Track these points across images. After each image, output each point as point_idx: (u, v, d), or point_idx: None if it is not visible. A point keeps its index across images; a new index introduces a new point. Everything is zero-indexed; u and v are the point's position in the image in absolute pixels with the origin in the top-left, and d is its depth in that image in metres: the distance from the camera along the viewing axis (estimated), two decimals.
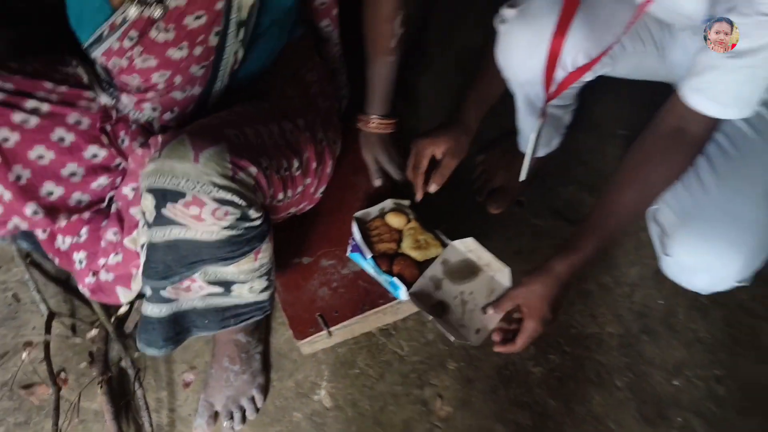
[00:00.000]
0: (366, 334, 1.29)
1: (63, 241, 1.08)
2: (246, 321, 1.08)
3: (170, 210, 0.87)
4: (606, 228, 1.01)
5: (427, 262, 1.19)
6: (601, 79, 1.19)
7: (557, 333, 1.31)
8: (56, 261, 1.11)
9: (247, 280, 1.01)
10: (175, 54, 0.96)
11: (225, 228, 0.89)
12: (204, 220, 0.87)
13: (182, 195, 0.85)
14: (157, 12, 0.91)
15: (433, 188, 1.25)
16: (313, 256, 1.26)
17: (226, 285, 1.01)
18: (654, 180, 0.99)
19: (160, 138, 0.92)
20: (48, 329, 1.21)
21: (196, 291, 1.00)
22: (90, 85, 1.06)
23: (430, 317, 1.12)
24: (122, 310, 1.23)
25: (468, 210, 1.44)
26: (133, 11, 0.91)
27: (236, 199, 0.87)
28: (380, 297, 1.22)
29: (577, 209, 1.46)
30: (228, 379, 1.19)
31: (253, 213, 0.91)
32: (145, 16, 0.91)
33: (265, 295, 1.07)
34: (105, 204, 1.09)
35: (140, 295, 1.06)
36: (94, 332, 1.24)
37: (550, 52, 1.04)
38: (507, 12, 1.08)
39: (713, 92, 0.90)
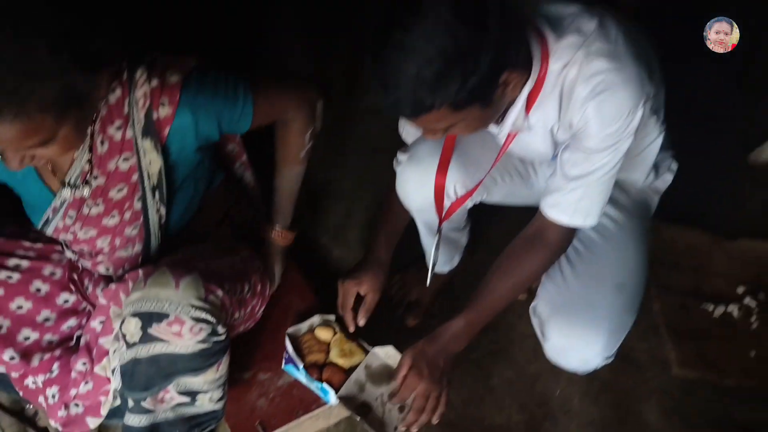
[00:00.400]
0: None
1: (34, 381, 1.23)
2: (205, 429, 1.22)
3: (155, 329, 1.05)
4: (486, 307, 1.29)
5: (353, 369, 1.38)
6: (487, 206, 1.49)
7: (471, 425, 1.49)
8: (26, 400, 1.25)
9: (209, 390, 1.17)
10: (109, 222, 1.18)
11: (199, 342, 1.07)
12: (183, 336, 1.06)
13: (166, 316, 1.04)
14: (85, 191, 1.14)
15: (362, 322, 1.42)
16: (251, 371, 1.43)
17: (193, 395, 1.15)
18: (520, 271, 1.26)
19: (141, 271, 1.11)
20: None
21: (168, 402, 1.14)
22: (58, 241, 1.27)
23: (358, 417, 1.30)
24: None
25: (388, 321, 1.65)
26: (66, 192, 1.14)
27: (209, 317, 1.07)
28: (313, 403, 1.38)
29: None
30: None
31: (220, 329, 1.11)
32: (78, 197, 1.14)
33: (220, 405, 1.22)
34: (73, 342, 1.26)
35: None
36: None
37: (436, 185, 1.33)
38: (401, 156, 1.38)
39: (562, 206, 1.20)
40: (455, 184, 1.33)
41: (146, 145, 1.12)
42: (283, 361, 1.43)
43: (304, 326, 1.46)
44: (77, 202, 1.15)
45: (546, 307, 1.32)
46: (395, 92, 0.96)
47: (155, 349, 1.08)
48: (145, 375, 1.10)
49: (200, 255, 1.19)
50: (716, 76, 2.59)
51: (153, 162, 1.14)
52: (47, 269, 1.23)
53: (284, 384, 1.42)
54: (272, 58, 2.12)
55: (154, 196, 1.18)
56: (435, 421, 1.27)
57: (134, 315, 1.06)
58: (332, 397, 1.34)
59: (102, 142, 1.10)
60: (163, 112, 1.09)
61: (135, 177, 1.16)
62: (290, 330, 1.43)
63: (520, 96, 1.11)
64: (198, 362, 1.11)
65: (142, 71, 1.06)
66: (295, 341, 1.42)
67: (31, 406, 1.42)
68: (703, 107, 2.37)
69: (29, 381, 1.23)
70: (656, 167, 1.43)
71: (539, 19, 1.10)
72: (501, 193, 1.47)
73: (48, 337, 1.23)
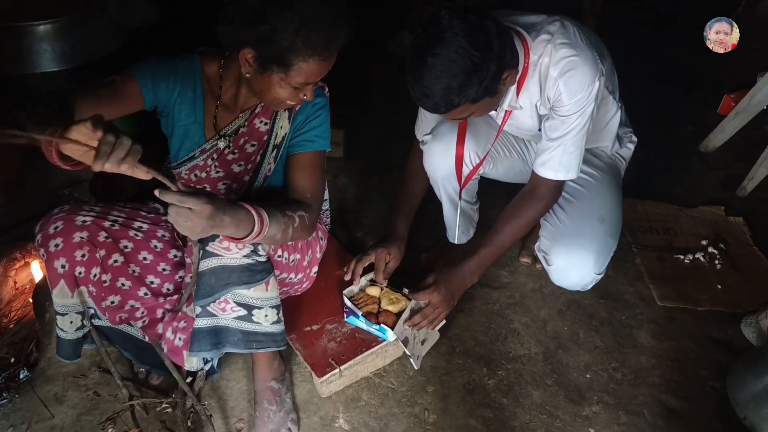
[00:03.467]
0: (365, 378, 1.76)
1: (161, 314, 1.58)
2: (265, 348, 1.50)
3: (211, 246, 1.37)
4: (495, 245, 1.67)
5: (401, 312, 1.73)
6: (492, 191, 1.90)
7: (500, 357, 1.83)
8: (152, 340, 1.58)
9: (262, 306, 1.46)
10: (235, 168, 1.58)
11: (244, 256, 1.39)
12: (231, 250, 1.37)
13: (217, 236, 1.36)
14: (231, 141, 1.55)
15: (385, 283, 1.78)
16: (319, 324, 1.77)
17: (248, 308, 1.45)
18: (520, 219, 1.66)
19: None
20: (130, 400, 1.61)
21: (228, 312, 1.45)
22: (165, 213, 1.64)
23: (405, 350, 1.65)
24: (189, 379, 1.66)
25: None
26: (222, 143, 1.55)
27: None
28: (372, 342, 1.72)
29: (495, 279, 2.07)
30: (269, 416, 1.61)
31: (260, 249, 1.42)
32: (224, 145, 1.55)
33: (276, 328, 1.50)
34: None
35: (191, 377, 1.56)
36: (165, 405, 1.65)
37: (456, 154, 1.74)
38: (426, 137, 1.81)
39: (548, 164, 1.61)
40: (470, 153, 1.75)
41: (284, 115, 1.54)
42: (344, 314, 1.77)
43: (355, 288, 1.81)
44: (221, 149, 1.55)
45: (547, 240, 1.73)
46: (432, 98, 1.39)
47: (212, 262, 1.38)
48: (207, 284, 1.39)
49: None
50: (668, 87, 3.14)
51: (284, 127, 1.55)
52: (160, 232, 1.59)
53: (348, 330, 1.76)
54: None
55: (272, 152, 1.58)
56: (431, 328, 1.70)
57: (198, 240, 1.38)
58: (390, 334, 1.69)
59: (260, 106, 1.53)
60: None
61: (265, 138, 1.56)
62: (345, 290, 1.79)
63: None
64: (247, 276, 1.39)
65: None
66: (351, 299, 1.78)
67: (143, 370, 1.74)
68: (661, 112, 2.89)
69: (158, 312, 1.57)
70: (620, 139, 1.86)
71: (518, 27, 1.54)
72: (503, 166, 1.89)
73: (167, 285, 1.58)
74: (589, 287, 1.73)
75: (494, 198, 2.25)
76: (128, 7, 2.51)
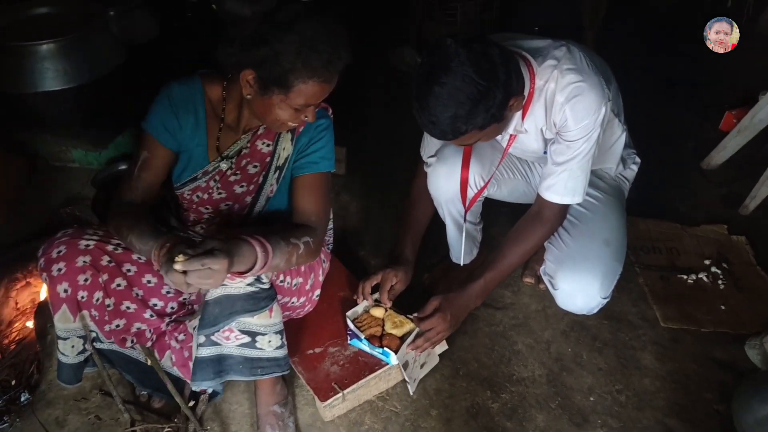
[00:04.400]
0: (368, 401, 1.75)
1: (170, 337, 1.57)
2: (269, 374, 1.49)
3: None
4: (499, 269, 1.67)
5: (406, 335, 1.72)
6: (496, 213, 1.89)
7: (504, 379, 1.82)
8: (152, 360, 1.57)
9: (266, 333, 1.46)
10: (237, 189, 1.58)
11: (248, 285, 1.38)
12: (234, 279, 1.36)
13: None
14: (233, 162, 1.55)
15: (390, 304, 1.76)
16: (322, 347, 1.77)
17: (252, 335, 1.45)
18: (524, 242, 1.66)
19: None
20: (132, 424, 1.60)
21: (232, 340, 1.44)
22: (168, 231, 1.63)
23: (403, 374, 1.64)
24: (191, 403, 1.65)
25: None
26: (224, 165, 1.55)
27: None
28: (375, 365, 1.71)
29: (498, 299, 2.06)
30: None
31: (263, 278, 1.41)
32: (227, 167, 1.55)
33: (280, 353, 1.50)
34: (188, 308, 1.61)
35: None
36: (167, 430, 1.64)
37: (462, 177, 1.74)
38: (430, 159, 1.81)
39: (554, 188, 1.61)
40: (475, 176, 1.75)
41: (287, 136, 1.55)
42: (348, 337, 1.76)
43: (359, 308, 1.81)
44: (223, 171, 1.55)
45: (552, 264, 1.72)
46: (440, 126, 1.39)
47: (216, 291, 1.37)
48: (212, 314, 1.39)
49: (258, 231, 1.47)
50: (667, 102, 3.13)
51: (286, 149, 1.56)
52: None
53: (351, 354, 1.75)
54: None
55: (275, 173, 1.58)
56: (432, 350, 1.71)
57: None
58: (393, 359, 1.68)
59: (263, 127, 1.54)
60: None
61: (268, 159, 1.56)
62: (349, 312, 1.78)
63: None
64: (251, 304, 1.39)
65: None
66: (355, 320, 1.77)
67: (145, 393, 1.73)
68: (661, 127, 2.89)
69: (166, 338, 1.56)
70: (623, 160, 1.86)
71: (524, 51, 1.54)
72: (508, 187, 1.89)
73: (171, 304, 1.58)
74: (596, 311, 1.73)
75: (496, 216, 2.25)
76: (129, 24, 2.51)
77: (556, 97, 1.52)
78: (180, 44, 2.64)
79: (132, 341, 1.55)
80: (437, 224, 1.98)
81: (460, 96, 1.33)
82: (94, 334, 1.55)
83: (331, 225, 1.91)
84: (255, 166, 1.58)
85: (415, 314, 1.74)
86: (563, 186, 1.60)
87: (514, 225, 1.71)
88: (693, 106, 3.08)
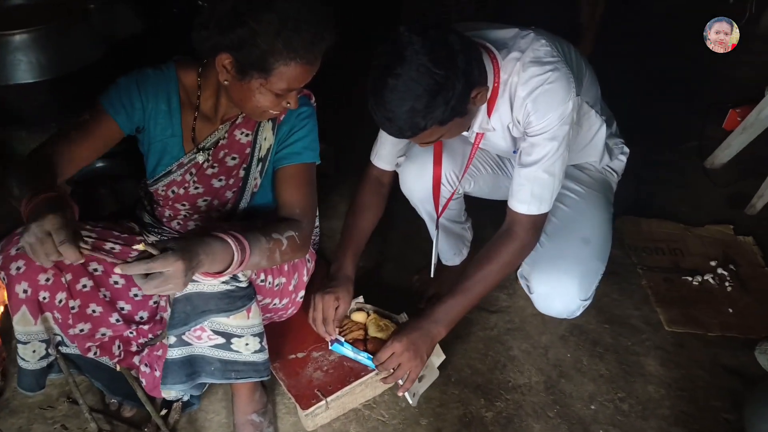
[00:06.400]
0: (354, 410, 1.64)
1: (135, 346, 1.46)
2: (245, 378, 1.37)
3: None
4: (463, 294, 1.48)
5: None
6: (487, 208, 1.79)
7: (499, 387, 1.71)
8: (123, 371, 1.46)
9: (243, 335, 1.34)
10: (215, 183, 1.48)
11: (222, 282, 1.26)
12: (207, 278, 1.23)
13: None
14: (211, 154, 1.44)
15: (337, 332, 1.59)
16: (305, 351, 1.66)
17: (227, 336, 1.33)
18: (492, 262, 1.47)
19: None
20: None
21: (204, 340, 1.32)
22: (140, 233, 1.53)
23: (400, 381, 1.52)
24: (163, 411, 1.54)
25: (413, 311, 1.89)
26: (201, 157, 1.45)
27: None
28: (361, 371, 1.60)
29: (493, 302, 1.96)
30: None
31: (241, 276, 1.29)
32: (203, 159, 1.44)
33: (258, 357, 1.38)
34: (158, 317, 1.49)
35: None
36: None
37: (434, 175, 1.64)
38: (400, 159, 1.70)
39: (520, 195, 1.45)
40: (448, 173, 1.65)
41: (267, 125, 1.45)
42: (329, 343, 1.65)
43: None
44: (200, 163, 1.45)
45: (527, 266, 1.60)
46: (397, 122, 1.28)
47: (187, 288, 1.22)
48: (183, 312, 1.27)
49: (238, 225, 1.36)
50: (668, 101, 3.04)
51: (267, 138, 1.46)
52: (133, 253, 1.47)
53: (335, 359, 1.63)
54: None
55: (257, 165, 1.48)
56: (405, 388, 1.49)
57: None
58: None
59: (241, 117, 1.43)
60: None
61: (248, 150, 1.46)
62: None
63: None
64: (226, 303, 1.26)
65: None
66: None
67: (115, 401, 1.62)
68: (663, 126, 2.79)
69: (134, 346, 1.45)
70: (609, 151, 1.74)
71: (488, 43, 1.42)
72: (487, 183, 1.78)
73: (140, 312, 1.47)
74: (577, 314, 1.60)
75: (492, 212, 2.13)
76: (111, 17, 2.42)
77: (518, 92, 1.39)
78: (164, 40, 2.54)
79: (95, 353, 1.44)
80: (425, 222, 1.87)
81: (416, 88, 1.22)
82: (58, 338, 1.44)
83: (317, 223, 1.80)
84: (234, 158, 1.48)
85: (404, 315, 1.64)
86: (529, 192, 1.44)
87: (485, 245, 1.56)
88: (695, 105, 2.98)
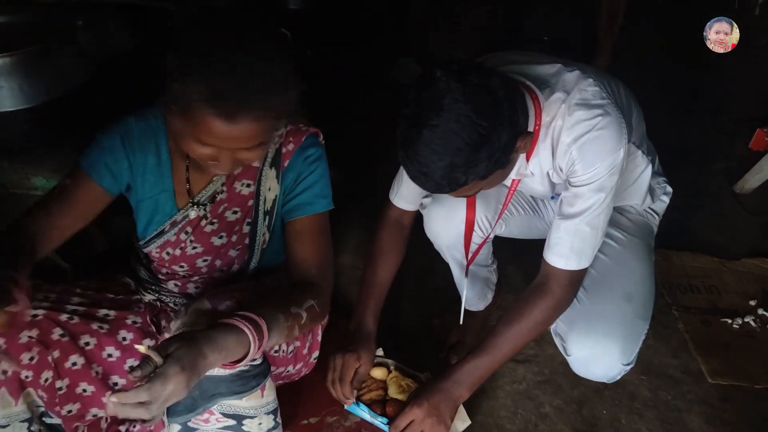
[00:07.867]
0: None
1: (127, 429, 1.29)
2: None
3: None
4: (489, 354, 1.35)
5: None
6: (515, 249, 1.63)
7: None
8: None
9: (256, 415, 1.19)
10: (216, 241, 1.31)
11: None
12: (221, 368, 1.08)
13: None
14: (208, 209, 1.28)
15: (355, 395, 1.45)
16: (318, 416, 1.50)
17: (238, 418, 1.17)
18: (524, 319, 1.34)
19: (182, 307, 1.16)
20: None
21: (213, 423, 1.16)
22: (136, 290, 1.37)
23: None
24: None
25: (436, 361, 1.74)
26: (193, 211, 1.28)
27: None
28: None
29: (520, 351, 1.80)
30: None
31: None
32: (200, 215, 1.28)
33: None
34: None
35: None
36: None
37: (467, 220, 1.48)
38: (425, 200, 1.54)
39: (558, 249, 1.30)
40: (480, 218, 1.50)
41: (270, 174, 1.29)
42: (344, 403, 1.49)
43: None
44: (196, 220, 1.29)
45: (564, 325, 1.42)
46: (433, 178, 1.12)
47: None
48: (189, 397, 1.08)
49: (248, 288, 1.23)
50: (692, 118, 2.88)
51: (272, 189, 1.30)
52: (130, 318, 1.32)
53: (351, 424, 1.49)
54: None
55: (264, 220, 1.32)
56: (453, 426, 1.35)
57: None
58: None
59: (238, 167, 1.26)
60: (289, 147, 1.28)
61: (251, 203, 1.30)
62: None
63: None
64: (239, 384, 1.12)
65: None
66: None
67: None
68: (687, 146, 2.63)
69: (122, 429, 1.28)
70: (652, 192, 1.58)
71: (528, 81, 1.26)
72: (519, 225, 1.63)
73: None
74: (618, 378, 1.44)
75: (517, 251, 1.97)
76: (100, 35, 2.24)
77: (562, 137, 1.24)
78: (157, 57, 2.34)
79: (83, 431, 1.27)
80: (446, 262, 1.71)
81: (456, 141, 1.07)
82: (41, 410, 1.27)
83: None
84: (235, 212, 1.32)
85: (428, 373, 1.49)
86: (568, 246, 1.29)
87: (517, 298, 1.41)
88: (720, 122, 2.83)
